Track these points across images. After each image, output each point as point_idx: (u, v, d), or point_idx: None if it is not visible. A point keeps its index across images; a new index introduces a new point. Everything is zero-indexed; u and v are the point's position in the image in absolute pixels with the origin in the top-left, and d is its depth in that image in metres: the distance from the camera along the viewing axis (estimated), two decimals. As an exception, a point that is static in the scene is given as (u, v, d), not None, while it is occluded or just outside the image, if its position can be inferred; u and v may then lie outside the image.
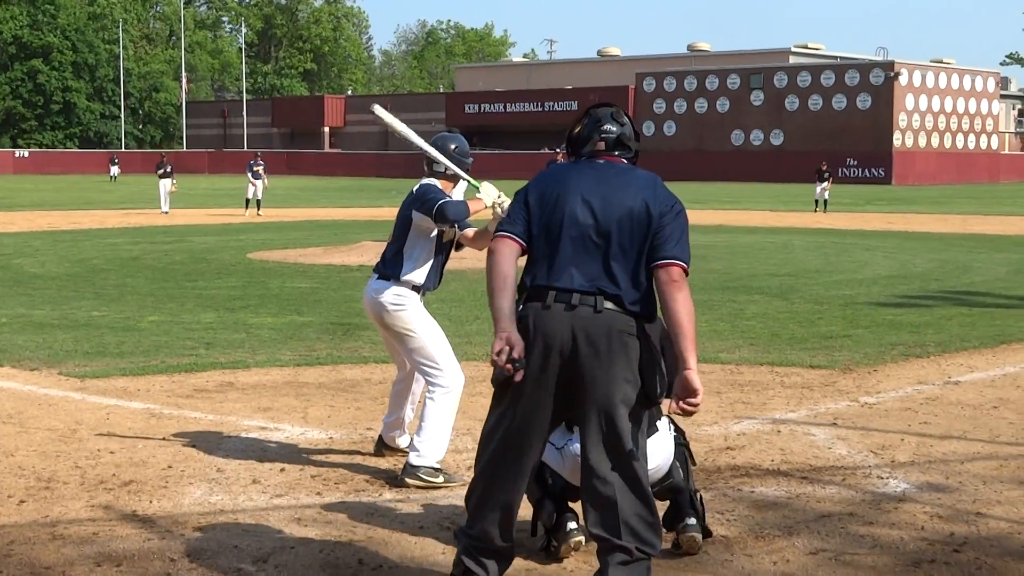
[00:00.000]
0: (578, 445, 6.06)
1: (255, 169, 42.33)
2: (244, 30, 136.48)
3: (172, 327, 14.54)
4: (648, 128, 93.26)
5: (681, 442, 6.49)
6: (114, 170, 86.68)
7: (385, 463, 8.16)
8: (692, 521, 6.23)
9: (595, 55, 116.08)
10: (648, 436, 5.79)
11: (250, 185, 42.41)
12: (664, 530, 6.02)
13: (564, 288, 5.36)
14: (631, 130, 5.72)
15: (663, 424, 6.34)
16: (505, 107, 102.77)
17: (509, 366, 5.31)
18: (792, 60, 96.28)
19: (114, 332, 14.08)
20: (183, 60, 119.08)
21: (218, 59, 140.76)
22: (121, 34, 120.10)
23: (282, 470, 7.94)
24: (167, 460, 8.17)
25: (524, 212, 5.54)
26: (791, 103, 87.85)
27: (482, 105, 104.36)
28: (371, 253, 24.53)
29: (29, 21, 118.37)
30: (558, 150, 38.72)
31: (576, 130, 5.73)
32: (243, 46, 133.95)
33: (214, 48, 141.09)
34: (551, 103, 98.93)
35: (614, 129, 5.66)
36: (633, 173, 5.56)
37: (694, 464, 6.75)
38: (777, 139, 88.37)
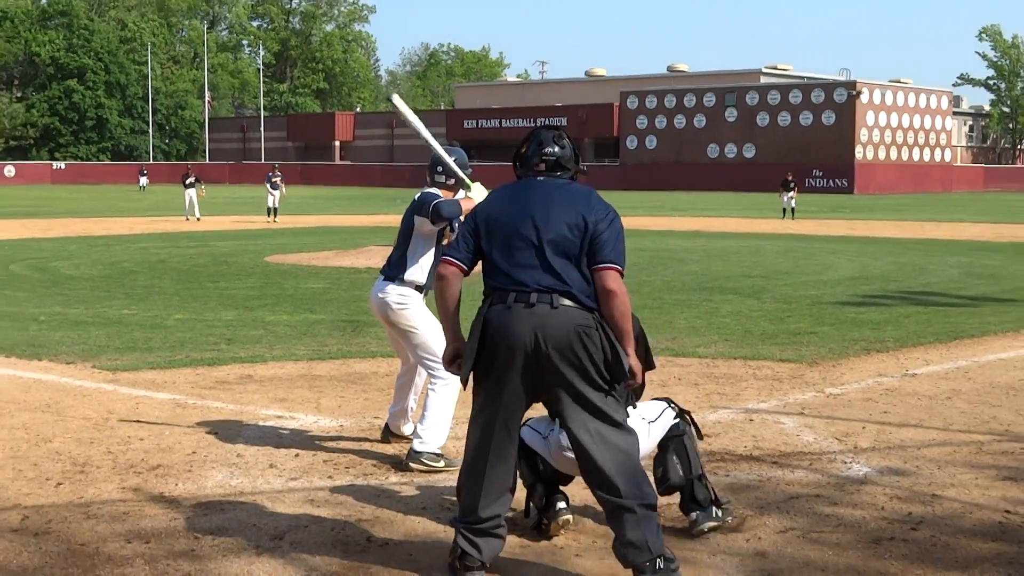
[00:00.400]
0: (560, 435, 6.09)
1: (273, 180, 42.23)
2: (262, 52, 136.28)
3: (196, 324, 14.52)
4: (631, 142, 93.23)
5: (677, 432, 6.42)
6: (143, 180, 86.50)
7: (391, 449, 8.15)
8: (695, 517, 6.23)
9: (583, 75, 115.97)
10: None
11: (269, 195, 42.32)
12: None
13: (523, 289, 5.44)
14: (571, 152, 5.80)
15: (639, 413, 6.29)
16: (500, 123, 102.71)
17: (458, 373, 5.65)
18: (763, 80, 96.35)
19: (143, 329, 14.06)
20: (206, 80, 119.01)
21: (238, 79, 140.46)
22: (149, 56, 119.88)
23: (296, 455, 7.93)
24: (191, 446, 8.16)
25: (470, 238, 5.65)
26: (762, 119, 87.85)
27: (479, 121, 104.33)
28: (378, 256, 24.51)
29: (66, 44, 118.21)
30: None
31: (523, 150, 5.82)
32: (261, 67, 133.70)
33: (234, 68, 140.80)
34: (543, 119, 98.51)
35: (555, 152, 5.75)
36: (569, 188, 5.65)
37: (701, 438, 6.59)
38: (749, 152, 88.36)
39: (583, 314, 5.42)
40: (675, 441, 6.34)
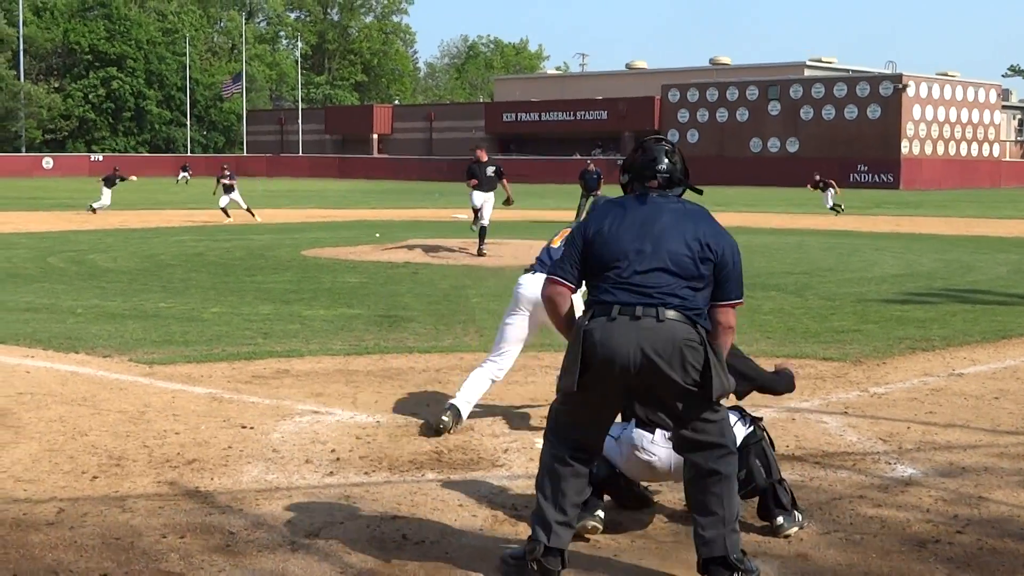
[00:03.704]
0: (633, 432, 6.12)
1: (227, 183, 39.11)
2: (300, 44, 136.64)
3: (233, 318, 14.58)
4: (672, 136, 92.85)
5: (755, 438, 6.43)
6: (184, 175, 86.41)
7: (427, 445, 8.16)
8: (781, 521, 6.22)
9: (624, 68, 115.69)
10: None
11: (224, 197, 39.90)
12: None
13: (628, 302, 5.40)
14: (682, 166, 5.78)
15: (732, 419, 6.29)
16: (540, 116, 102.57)
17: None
18: (807, 73, 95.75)
19: (180, 322, 14.13)
20: (244, 71, 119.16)
21: (275, 71, 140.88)
22: (188, 47, 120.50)
23: (332, 451, 7.95)
24: (227, 440, 8.20)
25: (576, 255, 5.63)
26: (806, 113, 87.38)
27: (519, 114, 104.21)
28: (415, 251, 24.56)
29: (106, 34, 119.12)
30: (589, 160, 38.46)
31: (631, 162, 5.79)
32: (299, 59, 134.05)
33: (272, 61, 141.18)
34: (582, 112, 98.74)
35: (667, 167, 5.72)
36: (686, 208, 5.63)
37: (773, 447, 6.62)
38: (793, 146, 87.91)
39: (687, 328, 5.39)
40: (755, 446, 6.35)
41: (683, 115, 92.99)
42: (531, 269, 8.55)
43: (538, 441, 7.94)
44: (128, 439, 8.22)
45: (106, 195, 42.47)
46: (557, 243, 8.15)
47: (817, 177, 46.49)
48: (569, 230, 7.76)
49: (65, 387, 10.08)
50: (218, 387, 10.12)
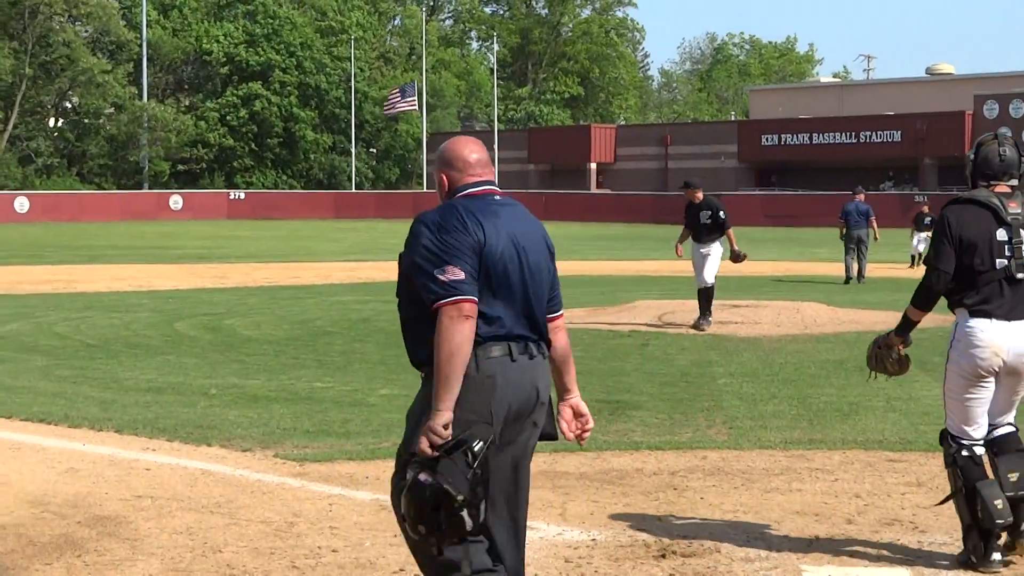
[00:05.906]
0: None
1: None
2: (496, 47, 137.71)
3: (407, 402, 14.65)
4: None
5: None
6: None
7: (659, 572, 8.10)
8: None
9: (923, 73, 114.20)
10: None
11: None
12: None
13: (526, 337, 6.20)
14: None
15: None
16: (811, 138, 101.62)
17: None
18: None
19: (339, 407, 14.36)
20: (425, 81, 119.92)
21: (465, 82, 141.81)
22: (352, 52, 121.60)
23: (535, 577, 7.97)
24: (399, 562, 8.28)
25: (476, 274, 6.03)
26: None
27: (783, 136, 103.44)
28: (646, 315, 24.44)
29: (246, 38, 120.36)
30: (858, 193, 37.53)
31: (461, 154, 6.56)
32: (494, 67, 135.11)
33: (461, 68, 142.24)
34: (868, 132, 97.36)
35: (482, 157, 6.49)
36: (523, 207, 6.27)
37: None
38: None
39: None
40: None
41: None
42: None
43: (806, 570, 7.83)
44: (272, 558, 8.38)
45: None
46: None
47: (926, 209, 44.28)
48: None
49: (194, 490, 10.33)
50: (388, 492, 10.23)
